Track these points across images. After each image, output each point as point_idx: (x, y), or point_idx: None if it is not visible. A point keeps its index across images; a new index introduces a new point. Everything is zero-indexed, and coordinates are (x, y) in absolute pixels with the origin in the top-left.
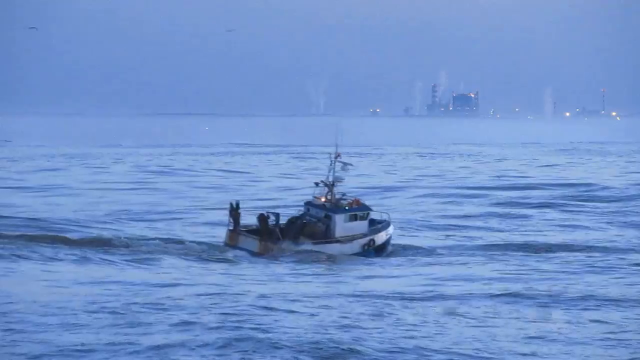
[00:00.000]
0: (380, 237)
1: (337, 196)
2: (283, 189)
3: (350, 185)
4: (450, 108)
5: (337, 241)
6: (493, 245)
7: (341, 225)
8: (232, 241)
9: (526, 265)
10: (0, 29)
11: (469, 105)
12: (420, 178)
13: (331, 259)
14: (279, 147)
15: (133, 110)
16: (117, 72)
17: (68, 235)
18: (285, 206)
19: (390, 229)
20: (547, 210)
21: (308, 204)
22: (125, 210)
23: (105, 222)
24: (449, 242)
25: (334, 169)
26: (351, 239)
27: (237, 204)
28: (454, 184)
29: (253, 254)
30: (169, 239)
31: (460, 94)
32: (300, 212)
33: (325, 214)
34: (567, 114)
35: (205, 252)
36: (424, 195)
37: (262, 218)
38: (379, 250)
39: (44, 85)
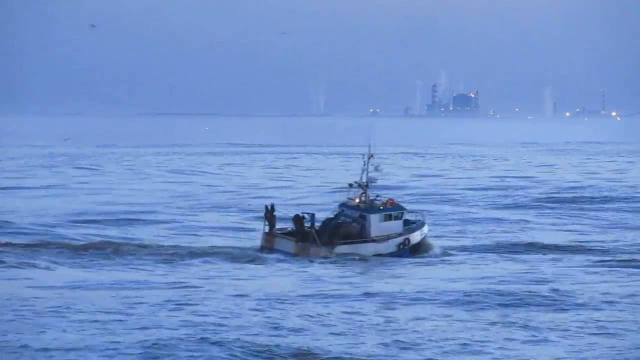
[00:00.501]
0: (415, 237)
1: (371, 197)
2: (282, 188)
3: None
4: (450, 108)
5: (373, 241)
6: (498, 245)
7: (376, 225)
8: (268, 243)
9: (532, 265)
10: (1, 29)
11: (469, 105)
12: (419, 178)
13: (361, 260)
14: (277, 147)
15: (133, 110)
16: (117, 72)
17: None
18: (284, 205)
19: (425, 229)
20: (547, 211)
21: (342, 205)
22: (135, 211)
23: (118, 225)
24: (450, 243)
25: (367, 169)
26: (386, 238)
27: (272, 207)
28: (454, 185)
29: (289, 255)
30: (203, 244)
31: (460, 94)
32: (335, 213)
33: (360, 214)
34: (567, 114)
35: (241, 255)
36: (424, 195)
37: (298, 219)
38: (415, 250)
39: (44, 85)
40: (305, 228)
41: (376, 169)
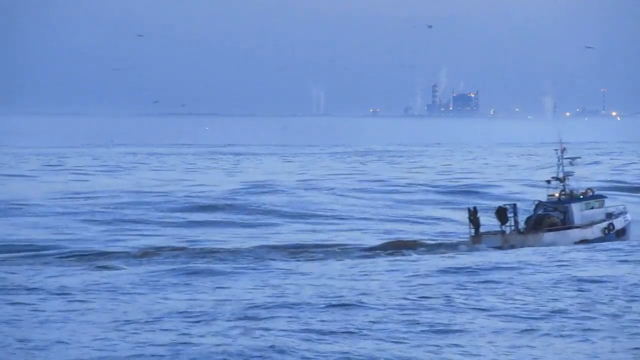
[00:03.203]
0: (619, 222)
1: (570, 189)
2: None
3: (355, 186)
4: (451, 108)
5: (578, 227)
6: None
7: (578, 213)
8: (474, 245)
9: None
10: (2, 28)
11: (469, 105)
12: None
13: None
14: (280, 147)
15: (133, 110)
16: (117, 73)
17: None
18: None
19: (629, 216)
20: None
21: (541, 203)
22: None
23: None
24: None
25: (562, 164)
26: (590, 224)
27: (475, 209)
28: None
29: (496, 249)
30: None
31: (460, 94)
32: (533, 209)
33: (561, 206)
34: (567, 114)
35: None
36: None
37: (501, 210)
38: (620, 235)
39: (45, 85)
40: (508, 217)
41: (571, 162)
